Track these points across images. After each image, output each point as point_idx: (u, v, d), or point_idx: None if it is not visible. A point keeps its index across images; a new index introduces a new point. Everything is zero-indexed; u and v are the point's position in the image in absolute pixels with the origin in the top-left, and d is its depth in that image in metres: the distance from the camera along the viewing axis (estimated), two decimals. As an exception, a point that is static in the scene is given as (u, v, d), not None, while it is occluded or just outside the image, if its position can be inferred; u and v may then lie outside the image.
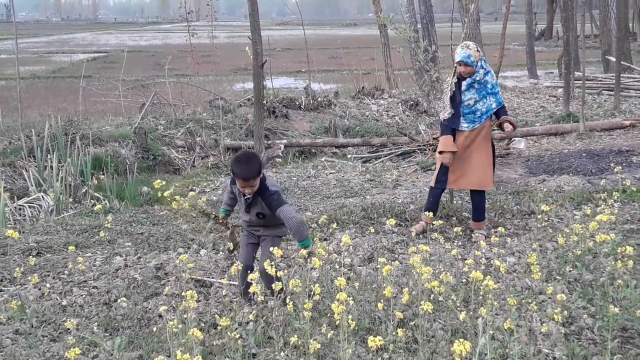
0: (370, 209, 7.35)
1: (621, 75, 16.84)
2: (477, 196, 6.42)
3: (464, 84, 6.17)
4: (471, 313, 3.93)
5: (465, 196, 8.25)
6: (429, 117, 14.96)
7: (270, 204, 4.40)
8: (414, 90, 17.92)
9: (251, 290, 3.66)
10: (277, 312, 3.92)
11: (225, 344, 3.67)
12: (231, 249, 5.03)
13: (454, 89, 6.18)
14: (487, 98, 6.19)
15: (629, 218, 6.60)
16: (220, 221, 5.00)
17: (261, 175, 4.39)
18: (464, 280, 4.78)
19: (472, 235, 6.32)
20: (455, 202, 7.53)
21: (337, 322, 3.33)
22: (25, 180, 9.33)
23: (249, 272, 4.13)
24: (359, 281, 4.59)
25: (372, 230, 5.94)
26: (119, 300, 4.84)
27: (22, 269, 4.87)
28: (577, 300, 4.60)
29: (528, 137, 12.52)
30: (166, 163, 11.45)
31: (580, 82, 15.61)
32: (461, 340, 2.97)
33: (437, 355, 3.82)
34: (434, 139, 11.79)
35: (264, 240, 4.65)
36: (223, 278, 5.12)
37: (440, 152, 6.26)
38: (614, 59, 18.92)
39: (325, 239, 6.42)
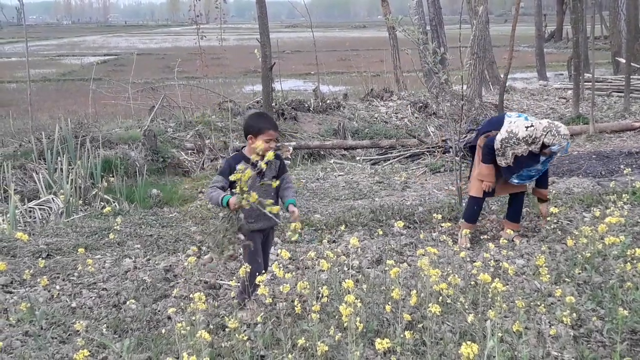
0: (379, 211, 7.35)
1: (631, 76, 16.75)
2: (517, 198, 6.44)
3: (542, 158, 6.05)
4: (480, 315, 3.92)
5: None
6: (437, 119, 14.93)
7: (283, 166, 4.60)
8: (423, 92, 17.90)
9: (260, 292, 3.66)
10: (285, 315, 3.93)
11: (233, 346, 3.68)
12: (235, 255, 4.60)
13: (525, 155, 5.97)
14: (545, 165, 6.17)
15: (639, 220, 6.56)
16: (235, 207, 4.20)
17: None
18: (472, 283, 4.77)
19: (503, 233, 6.24)
20: (464, 204, 7.51)
21: (345, 324, 3.33)
22: (36, 183, 9.37)
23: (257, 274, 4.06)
24: (367, 283, 4.59)
25: (381, 233, 5.94)
26: (128, 302, 4.87)
27: (31, 271, 4.90)
28: (586, 302, 4.58)
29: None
30: (175, 165, 11.47)
31: (590, 83, 15.56)
32: (469, 342, 2.97)
33: (445, 357, 3.81)
34: (442, 140, 11.78)
35: (268, 236, 4.75)
36: (232, 280, 5.13)
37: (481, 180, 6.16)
38: (623, 61, 18.84)
39: (334, 241, 6.43)
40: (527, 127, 5.87)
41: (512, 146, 5.90)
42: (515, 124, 5.95)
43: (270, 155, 4.09)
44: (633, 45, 17.21)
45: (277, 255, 5.60)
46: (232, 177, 3.97)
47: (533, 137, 5.83)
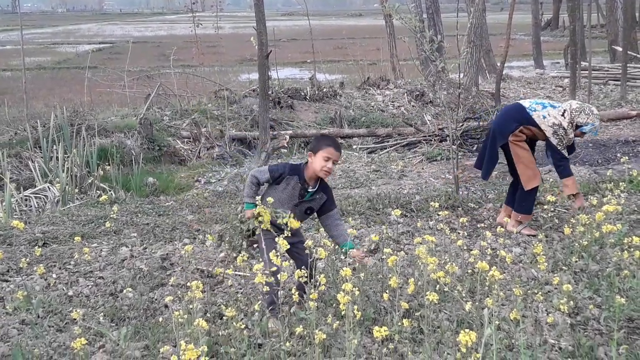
0: (376, 199, 7.35)
1: (628, 65, 16.74)
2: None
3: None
4: (477, 303, 3.93)
5: (470, 187, 8.24)
6: (434, 108, 14.91)
7: (330, 196, 4.39)
8: (419, 80, 17.86)
9: (256, 281, 3.64)
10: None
11: (230, 335, 3.67)
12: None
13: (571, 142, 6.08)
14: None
15: (636, 208, 6.57)
16: (249, 216, 4.22)
17: None
18: (469, 271, 4.77)
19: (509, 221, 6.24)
20: (461, 192, 7.51)
21: (343, 313, 3.32)
22: (31, 171, 9.35)
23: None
24: (365, 272, 4.59)
25: (378, 221, 5.94)
26: (125, 291, 4.85)
27: (28, 260, 4.89)
28: (584, 290, 4.59)
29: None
30: (172, 154, 11.45)
31: (587, 72, 15.56)
32: (467, 330, 2.97)
33: (442, 345, 3.82)
34: (439, 129, 11.77)
35: (297, 248, 4.32)
36: (229, 269, 5.12)
37: (575, 194, 6.04)
38: (620, 49, 18.82)
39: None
40: (562, 114, 5.91)
41: (567, 136, 5.91)
42: (550, 118, 5.92)
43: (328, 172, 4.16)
44: (630, 34, 17.19)
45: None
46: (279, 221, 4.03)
47: (571, 119, 5.89)
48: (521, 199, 6.16)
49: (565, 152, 5.97)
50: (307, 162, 4.31)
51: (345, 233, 4.44)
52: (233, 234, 4.28)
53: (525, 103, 6.17)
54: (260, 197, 4.14)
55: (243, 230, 4.22)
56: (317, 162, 4.20)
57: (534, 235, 5.99)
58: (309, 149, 4.35)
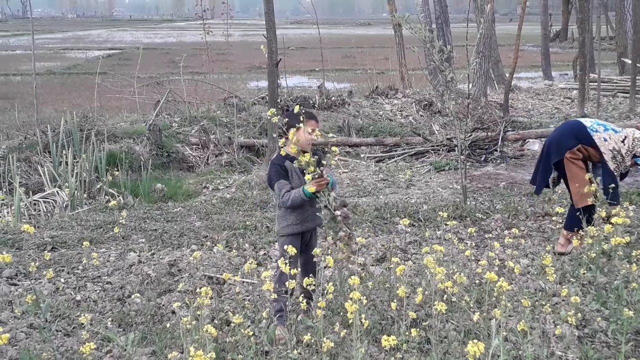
0: (384, 208, 7.35)
1: (637, 77, 16.71)
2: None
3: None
4: (484, 314, 3.92)
5: (478, 197, 8.24)
6: (442, 118, 14.91)
7: (320, 161, 4.32)
8: (428, 90, 17.88)
9: (264, 288, 3.66)
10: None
11: (238, 341, 3.68)
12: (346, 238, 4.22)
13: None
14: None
15: (644, 221, 6.55)
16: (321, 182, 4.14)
17: None
18: (477, 281, 4.77)
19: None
20: (469, 203, 7.51)
21: (350, 321, 3.33)
22: (40, 176, 9.38)
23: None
24: (372, 280, 4.59)
25: (385, 230, 5.94)
26: (132, 296, 4.88)
27: (37, 264, 4.90)
28: (591, 303, 4.58)
29: (542, 139, 12.45)
30: (180, 160, 11.49)
31: (596, 84, 15.54)
32: (475, 341, 2.97)
33: (449, 355, 3.81)
34: (447, 139, 11.77)
35: (310, 239, 4.49)
36: (236, 275, 5.13)
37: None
38: (629, 61, 18.80)
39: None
40: (622, 141, 5.79)
41: (624, 163, 5.82)
42: (610, 142, 5.79)
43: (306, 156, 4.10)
44: (639, 46, 17.15)
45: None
46: (296, 164, 4.06)
47: (631, 148, 5.79)
48: (572, 217, 5.90)
49: (617, 179, 5.84)
50: (283, 144, 4.27)
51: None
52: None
53: (587, 122, 5.98)
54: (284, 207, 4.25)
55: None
56: (303, 136, 4.22)
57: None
58: (288, 126, 4.31)
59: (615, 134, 5.81)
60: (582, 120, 6.11)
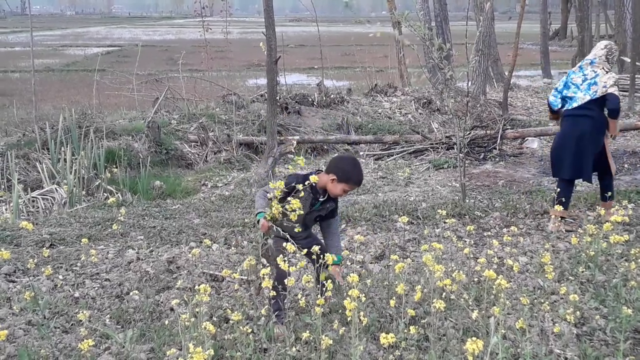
0: (382, 206, 7.35)
1: (636, 76, 16.71)
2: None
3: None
4: (483, 312, 3.92)
5: (477, 195, 8.24)
6: (441, 115, 14.91)
7: (336, 204, 4.36)
8: (427, 88, 17.87)
9: (264, 285, 3.66)
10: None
11: (236, 339, 3.67)
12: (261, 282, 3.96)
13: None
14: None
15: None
16: (265, 227, 4.03)
17: None
18: (476, 279, 4.77)
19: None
20: (467, 200, 7.51)
21: (349, 319, 3.33)
22: (39, 173, 9.37)
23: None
24: (371, 278, 4.59)
25: (384, 228, 5.94)
26: (131, 293, 4.87)
27: (35, 261, 4.90)
28: (590, 301, 4.59)
29: (541, 137, 12.45)
30: (179, 157, 11.48)
31: (595, 82, 15.43)
32: (474, 339, 2.96)
33: (448, 353, 3.81)
34: (446, 137, 11.76)
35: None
36: (235, 272, 5.12)
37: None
38: (628, 60, 18.78)
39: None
40: (604, 70, 6.56)
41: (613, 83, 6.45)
42: (606, 81, 6.45)
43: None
44: (638, 45, 17.12)
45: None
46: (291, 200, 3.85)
47: (606, 58, 6.64)
48: (611, 186, 6.71)
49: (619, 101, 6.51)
50: (317, 172, 4.23)
51: (338, 246, 4.46)
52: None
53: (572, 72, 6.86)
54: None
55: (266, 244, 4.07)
56: (336, 189, 4.18)
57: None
58: (331, 169, 4.21)
59: (601, 77, 6.49)
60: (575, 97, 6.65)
